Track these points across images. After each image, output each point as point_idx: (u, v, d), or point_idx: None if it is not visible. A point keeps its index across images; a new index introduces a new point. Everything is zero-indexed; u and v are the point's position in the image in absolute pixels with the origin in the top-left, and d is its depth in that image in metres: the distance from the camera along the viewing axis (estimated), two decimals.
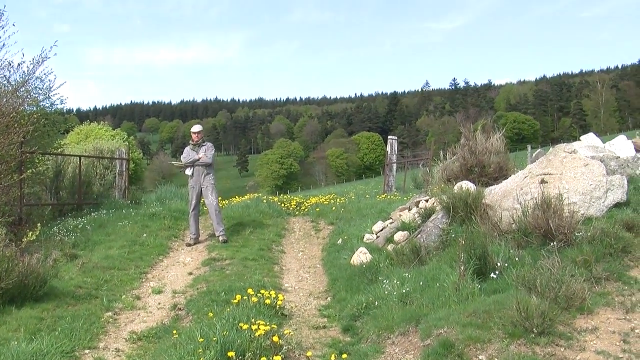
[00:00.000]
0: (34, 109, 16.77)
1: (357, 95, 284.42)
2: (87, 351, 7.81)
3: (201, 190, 14.95)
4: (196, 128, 15.36)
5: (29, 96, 16.02)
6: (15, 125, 13.93)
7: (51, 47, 14.97)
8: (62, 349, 7.50)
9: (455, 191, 10.34)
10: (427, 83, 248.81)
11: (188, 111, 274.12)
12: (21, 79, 15.08)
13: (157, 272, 12.18)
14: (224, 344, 6.56)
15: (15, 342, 7.50)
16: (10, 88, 14.95)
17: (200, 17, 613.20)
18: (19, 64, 14.92)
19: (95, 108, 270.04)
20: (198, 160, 14.76)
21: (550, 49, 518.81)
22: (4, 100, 14.33)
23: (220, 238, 14.63)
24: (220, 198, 22.16)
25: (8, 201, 14.74)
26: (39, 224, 12.26)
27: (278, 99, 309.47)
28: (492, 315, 6.25)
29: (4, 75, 15.13)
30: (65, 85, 17.69)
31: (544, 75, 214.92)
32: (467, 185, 10.78)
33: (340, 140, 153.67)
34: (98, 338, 8.36)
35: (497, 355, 5.63)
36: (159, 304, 10.17)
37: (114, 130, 32.96)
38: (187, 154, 14.99)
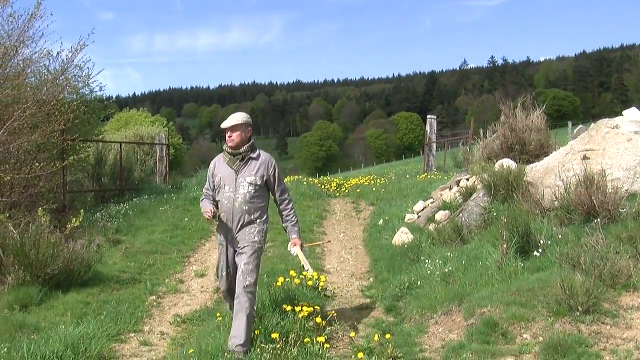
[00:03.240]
0: (74, 96, 16.96)
1: (395, 75, 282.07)
2: (132, 334, 7.91)
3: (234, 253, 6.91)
4: (233, 119, 6.79)
5: (68, 84, 16.20)
6: (56, 113, 14.10)
7: (89, 34, 15.10)
8: (108, 332, 7.61)
9: (496, 169, 10.26)
10: (465, 61, 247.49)
11: (226, 95, 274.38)
12: (60, 68, 15.23)
13: (199, 256, 12.28)
14: (268, 325, 6.61)
15: (63, 326, 7.62)
16: (50, 77, 15.12)
17: (241, 1, 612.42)
18: (57, 53, 15.07)
19: (134, 94, 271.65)
20: (212, 212, 6.69)
21: (590, 23, 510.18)
22: (45, 88, 14.50)
23: (236, 349, 6.24)
24: None
25: (51, 188, 14.97)
26: (82, 210, 12.41)
27: (316, 81, 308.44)
28: (536, 293, 6.20)
29: (44, 64, 15.31)
30: (106, 72, 18.03)
31: (584, 51, 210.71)
32: (508, 163, 10.69)
33: (379, 121, 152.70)
34: (143, 321, 8.46)
35: (542, 333, 5.60)
36: (202, 287, 10.26)
37: (153, 116, 33.30)
38: (212, 182, 7.04)
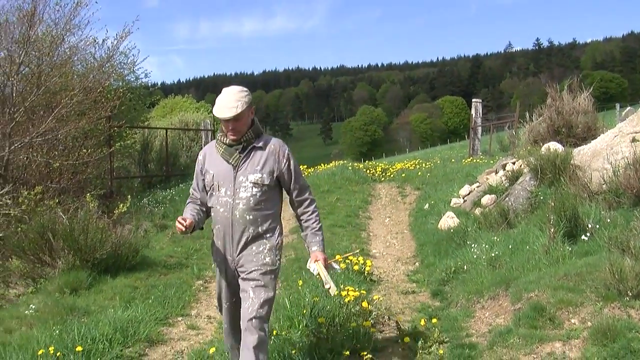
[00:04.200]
0: (120, 83, 17.20)
1: (439, 59, 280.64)
2: (179, 318, 8.01)
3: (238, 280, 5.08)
4: (233, 103, 4.77)
5: (114, 71, 16.45)
6: (103, 100, 14.31)
7: (133, 21, 15.27)
8: (155, 316, 7.72)
9: (543, 153, 10.16)
10: (510, 44, 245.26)
11: (270, 81, 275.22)
12: (106, 55, 15.47)
13: None
14: (314, 310, 6.65)
15: (112, 310, 7.76)
16: (96, 64, 15.35)
17: None
18: (103, 40, 15.30)
19: (179, 81, 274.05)
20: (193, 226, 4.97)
21: (638, 3, 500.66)
22: (91, 76, 14.72)
23: None
24: (305, 166, 22.28)
25: (99, 174, 15.21)
26: (129, 196, 12.60)
27: (360, 66, 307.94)
28: (584, 278, 6.14)
29: (90, 52, 15.54)
30: (151, 59, 18.22)
31: (632, 31, 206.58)
32: (554, 146, 10.57)
33: (424, 105, 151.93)
34: (190, 305, 8.56)
35: (590, 318, 5.54)
36: None
37: (198, 102, 33.50)
38: (200, 181, 5.20)
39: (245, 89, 4.90)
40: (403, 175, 19.93)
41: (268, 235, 4.97)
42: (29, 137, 12.53)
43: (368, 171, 21.36)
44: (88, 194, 11.28)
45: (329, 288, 4.98)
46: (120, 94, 14.76)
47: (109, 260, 9.60)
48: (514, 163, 12.03)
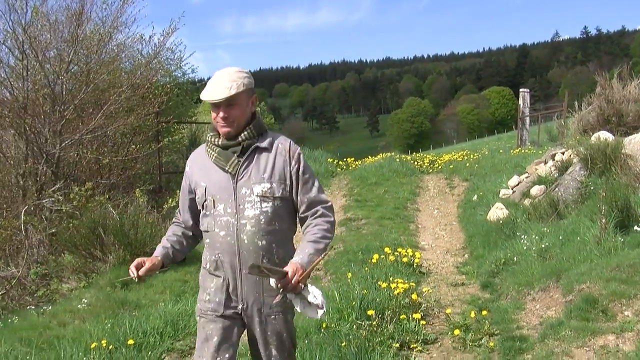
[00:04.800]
0: (167, 79, 17.37)
1: (486, 49, 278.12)
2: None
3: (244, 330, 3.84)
4: (227, 84, 3.56)
5: (161, 67, 16.62)
6: (150, 96, 14.45)
7: (179, 18, 15.39)
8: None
9: (593, 142, 10.03)
10: (557, 33, 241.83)
11: (316, 74, 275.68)
12: (153, 51, 15.58)
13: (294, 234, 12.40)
14: (363, 302, 6.66)
15: (162, 303, 7.89)
16: (143, 61, 15.50)
17: None
18: (150, 37, 15.41)
19: None
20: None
21: None
22: (139, 72, 14.87)
23: None
24: (352, 159, 22.27)
25: (148, 170, 15.39)
26: (177, 191, 12.70)
27: (406, 58, 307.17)
28: (637, 269, 6.06)
29: (137, 49, 15.71)
30: (198, 55, 18.36)
31: None
32: (604, 135, 10.42)
33: (471, 96, 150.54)
34: None
35: None
36: None
37: None
38: (187, 200, 3.92)
39: (245, 70, 3.69)
40: (451, 166, 19.85)
41: (283, 264, 3.51)
42: (79, 134, 12.72)
43: (415, 163, 21.32)
44: (137, 189, 11.44)
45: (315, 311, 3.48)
46: (168, 89, 14.88)
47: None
48: (563, 153, 11.89)
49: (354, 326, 6.26)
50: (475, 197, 13.68)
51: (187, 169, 3.91)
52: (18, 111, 12.22)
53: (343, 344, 5.72)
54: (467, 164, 19.24)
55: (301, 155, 3.73)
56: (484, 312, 6.56)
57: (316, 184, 3.74)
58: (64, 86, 12.99)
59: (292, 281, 3.36)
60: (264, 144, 3.67)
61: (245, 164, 3.61)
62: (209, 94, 3.56)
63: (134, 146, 14.21)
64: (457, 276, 9.01)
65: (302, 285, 3.45)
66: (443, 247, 10.96)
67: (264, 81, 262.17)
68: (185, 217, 3.92)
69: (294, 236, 3.81)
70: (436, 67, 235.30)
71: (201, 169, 3.78)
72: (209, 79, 3.48)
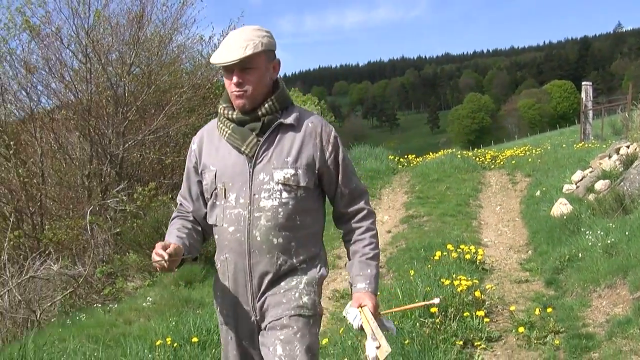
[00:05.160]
0: None
1: (546, 42, 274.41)
2: None
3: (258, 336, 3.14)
4: (242, 43, 2.89)
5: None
6: (211, 96, 14.64)
7: (238, 18, 15.56)
8: None
9: None
10: (619, 24, 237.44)
11: (375, 71, 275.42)
12: (213, 52, 15.74)
13: None
14: (427, 300, 6.64)
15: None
16: (203, 61, 15.69)
17: None
18: (209, 38, 15.63)
19: (285, 75, 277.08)
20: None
21: None
22: (199, 73, 15.08)
23: None
24: (413, 155, 22.22)
25: None
26: None
27: (465, 53, 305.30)
28: None
29: (197, 50, 15.93)
30: None
31: None
32: None
33: (532, 91, 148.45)
34: None
35: None
36: None
37: (304, 95, 33.84)
38: (194, 185, 3.25)
39: (265, 29, 3.02)
40: (513, 162, 19.63)
41: (305, 266, 3.09)
42: (141, 135, 12.96)
43: (477, 159, 21.13)
44: None
45: (378, 347, 2.87)
46: None
47: None
48: (628, 147, 11.66)
49: (417, 323, 6.25)
50: (538, 192, 13.51)
51: (193, 146, 3.20)
52: (82, 113, 12.50)
53: (406, 342, 5.73)
54: (530, 160, 19.00)
55: (338, 139, 3.11)
56: (549, 310, 6.49)
57: (354, 171, 3.21)
58: (126, 88, 13.24)
59: (373, 309, 3.01)
60: (289, 120, 3.02)
61: (266, 145, 2.98)
62: (220, 56, 2.90)
63: None
64: (520, 273, 8.92)
65: (377, 312, 3.07)
66: (506, 244, 10.86)
67: (324, 79, 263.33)
68: (197, 206, 3.21)
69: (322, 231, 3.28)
70: (496, 62, 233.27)
71: (211, 149, 3.11)
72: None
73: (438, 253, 8.47)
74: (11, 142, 12.02)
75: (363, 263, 3.11)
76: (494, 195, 15.45)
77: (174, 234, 3.06)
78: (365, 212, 3.19)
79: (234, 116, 3.02)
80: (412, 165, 20.73)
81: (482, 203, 14.52)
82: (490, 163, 20.59)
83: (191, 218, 3.21)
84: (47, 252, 10.74)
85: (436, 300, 3.51)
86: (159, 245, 2.82)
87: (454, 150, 24.60)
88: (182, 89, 13.67)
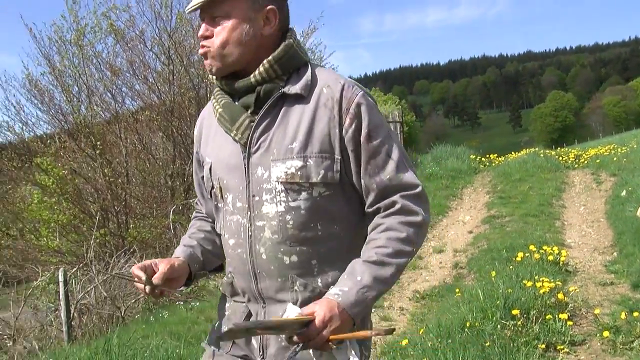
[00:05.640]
0: None
1: (632, 38, 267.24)
2: (372, 310, 8.13)
3: None
4: None
5: None
6: None
7: (318, 18, 15.64)
8: None
9: None
10: None
11: (456, 70, 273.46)
12: None
13: (436, 232, 12.38)
14: (508, 301, 6.56)
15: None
16: None
17: None
18: None
19: (365, 75, 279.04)
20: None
21: None
22: None
23: None
24: (495, 155, 22.00)
25: None
26: None
27: (547, 50, 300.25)
28: None
29: None
30: (338, 54, 18.56)
31: None
32: None
33: (617, 88, 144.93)
34: (382, 297, 8.67)
35: None
36: (440, 263, 10.35)
37: (385, 95, 33.80)
38: (199, 178, 2.49)
39: None
40: (597, 161, 19.22)
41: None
42: None
43: (560, 158, 20.76)
44: None
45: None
46: None
47: None
48: None
49: (498, 326, 6.17)
50: (624, 192, 13.20)
51: (195, 130, 2.50)
52: (165, 114, 12.75)
53: (487, 344, 5.66)
54: (615, 159, 18.57)
55: (364, 107, 2.11)
56: (635, 314, 6.33)
57: (395, 154, 2.14)
58: (208, 89, 13.44)
59: (318, 336, 1.95)
60: (296, 88, 2.12)
61: (263, 126, 2.13)
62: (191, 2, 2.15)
63: None
64: (605, 275, 8.72)
65: (334, 345, 1.98)
66: (590, 245, 10.63)
67: (404, 79, 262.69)
68: (209, 206, 2.47)
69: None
70: (579, 59, 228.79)
71: (209, 134, 2.37)
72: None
73: (520, 254, 8.37)
74: (97, 143, 12.35)
75: (358, 265, 2.05)
76: (578, 195, 15.15)
77: (182, 244, 2.46)
78: (398, 206, 2.09)
79: (225, 85, 2.23)
80: (494, 164, 20.55)
81: (566, 203, 14.26)
82: (574, 162, 20.20)
83: (210, 221, 2.53)
84: (131, 250, 10.99)
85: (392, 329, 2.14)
86: (136, 266, 2.17)
87: (536, 149, 24.27)
88: None
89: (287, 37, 2.20)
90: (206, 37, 2.16)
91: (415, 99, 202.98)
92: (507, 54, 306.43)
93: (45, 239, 12.42)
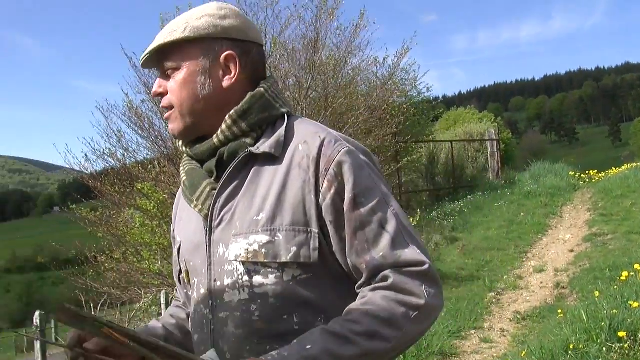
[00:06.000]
0: (403, 99, 17.63)
1: None
2: (472, 331, 8.02)
3: None
4: (171, 23, 1.81)
5: (396, 88, 16.88)
6: (388, 117, 14.72)
7: (411, 38, 15.58)
8: (449, 329, 7.81)
9: None
10: None
11: (552, 85, 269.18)
12: (388, 73, 15.91)
13: (536, 251, 12.14)
14: (613, 323, 6.35)
15: None
16: (378, 83, 15.83)
17: None
18: (384, 59, 15.72)
19: (459, 93, 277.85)
20: None
21: None
22: (375, 94, 15.19)
23: None
24: (594, 171, 21.48)
25: (388, 189, 15.72)
26: (418, 210, 12.84)
27: None
28: None
29: (372, 71, 16.08)
30: (432, 73, 18.55)
31: None
32: None
33: None
34: (483, 318, 8.54)
35: None
36: (541, 282, 10.12)
37: (480, 113, 33.46)
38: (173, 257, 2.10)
39: (226, 5, 1.89)
40: None
41: None
42: None
43: None
44: None
45: None
46: (405, 110, 15.13)
47: None
48: None
49: (604, 348, 5.97)
50: None
51: (174, 206, 2.15)
52: None
53: None
54: None
55: (347, 165, 1.66)
56: None
57: (391, 225, 1.64)
58: (304, 112, 13.52)
59: None
60: (266, 146, 1.73)
61: (226, 195, 1.76)
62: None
63: None
64: None
65: None
66: None
67: (499, 95, 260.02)
68: (183, 295, 2.10)
69: None
70: None
71: (183, 209, 1.99)
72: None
73: (625, 273, 8.08)
74: None
75: (316, 333, 1.55)
76: None
77: (149, 324, 2.10)
78: (389, 281, 1.58)
79: (190, 149, 1.87)
80: (593, 181, 20.05)
81: None
82: None
83: (184, 307, 2.11)
84: None
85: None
86: (73, 336, 1.63)
87: (638, 164, 23.53)
88: (358, 111, 13.84)
89: (258, 88, 1.81)
90: (159, 95, 1.83)
91: (511, 116, 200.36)
92: (604, 67, 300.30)
93: (147, 261, 12.68)
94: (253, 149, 1.72)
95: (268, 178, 1.70)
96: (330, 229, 1.65)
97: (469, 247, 12.23)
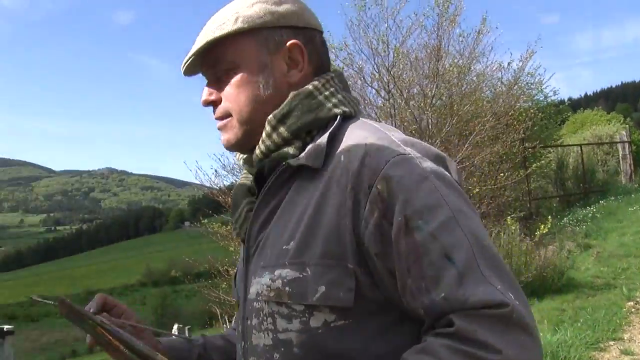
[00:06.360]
0: (529, 104, 17.35)
1: None
2: (611, 342, 7.75)
3: None
4: (212, 19, 1.51)
5: (522, 93, 16.64)
6: (514, 122, 14.50)
7: (535, 41, 15.30)
8: (585, 340, 7.56)
9: None
10: None
11: None
12: (513, 78, 15.71)
13: None
14: None
15: (541, 333, 7.74)
16: (504, 88, 15.62)
17: None
18: (508, 64, 15.55)
19: (585, 94, 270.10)
20: None
21: None
22: (500, 100, 15.01)
23: None
24: None
25: (517, 197, 15.41)
26: (548, 217, 12.56)
27: None
28: None
29: (497, 77, 15.90)
30: (557, 75, 18.08)
31: None
32: None
33: None
34: (622, 329, 8.23)
35: None
36: None
37: (608, 114, 32.50)
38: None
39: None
40: None
41: None
42: None
43: None
44: (508, 217, 11.50)
45: None
46: (532, 114, 14.87)
47: (534, 283, 9.67)
48: None
49: None
50: None
51: None
52: None
53: None
54: None
55: (396, 180, 1.28)
56: None
57: (461, 254, 1.22)
58: (429, 121, 13.49)
59: None
60: (303, 157, 1.40)
61: (264, 216, 1.47)
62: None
63: (502, 174, 14.36)
64: None
65: None
66: None
67: (627, 95, 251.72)
68: None
69: None
70: None
71: None
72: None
73: None
74: None
75: None
76: None
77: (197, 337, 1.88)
78: (453, 328, 1.18)
79: (243, 162, 1.63)
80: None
81: None
82: None
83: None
84: None
85: None
86: (99, 300, 1.57)
87: None
88: (484, 118, 13.69)
89: (306, 82, 1.50)
90: (211, 104, 1.55)
91: None
92: None
93: None
94: (291, 161, 1.39)
95: (307, 197, 1.37)
96: (378, 264, 1.28)
97: (604, 254, 11.83)
